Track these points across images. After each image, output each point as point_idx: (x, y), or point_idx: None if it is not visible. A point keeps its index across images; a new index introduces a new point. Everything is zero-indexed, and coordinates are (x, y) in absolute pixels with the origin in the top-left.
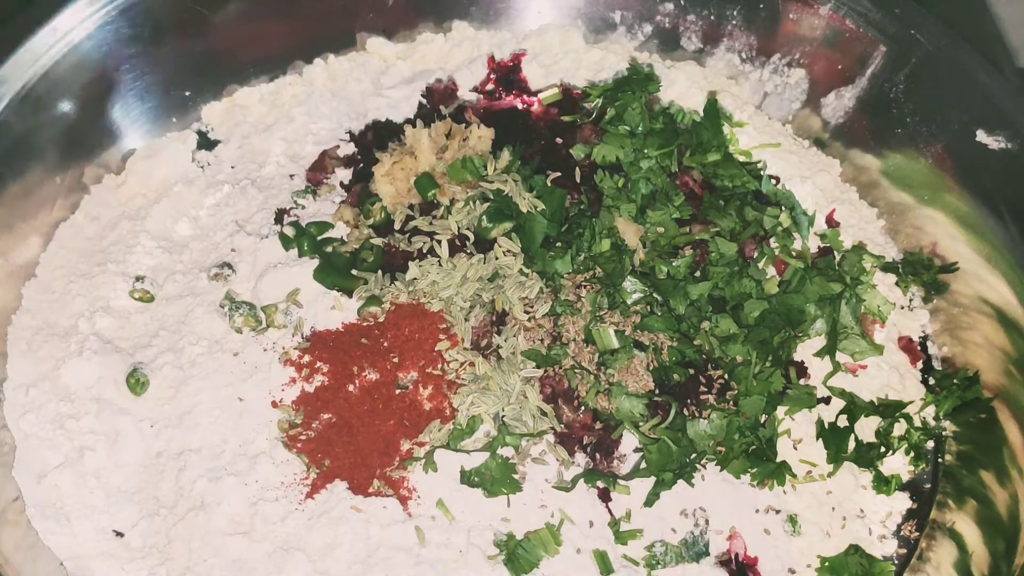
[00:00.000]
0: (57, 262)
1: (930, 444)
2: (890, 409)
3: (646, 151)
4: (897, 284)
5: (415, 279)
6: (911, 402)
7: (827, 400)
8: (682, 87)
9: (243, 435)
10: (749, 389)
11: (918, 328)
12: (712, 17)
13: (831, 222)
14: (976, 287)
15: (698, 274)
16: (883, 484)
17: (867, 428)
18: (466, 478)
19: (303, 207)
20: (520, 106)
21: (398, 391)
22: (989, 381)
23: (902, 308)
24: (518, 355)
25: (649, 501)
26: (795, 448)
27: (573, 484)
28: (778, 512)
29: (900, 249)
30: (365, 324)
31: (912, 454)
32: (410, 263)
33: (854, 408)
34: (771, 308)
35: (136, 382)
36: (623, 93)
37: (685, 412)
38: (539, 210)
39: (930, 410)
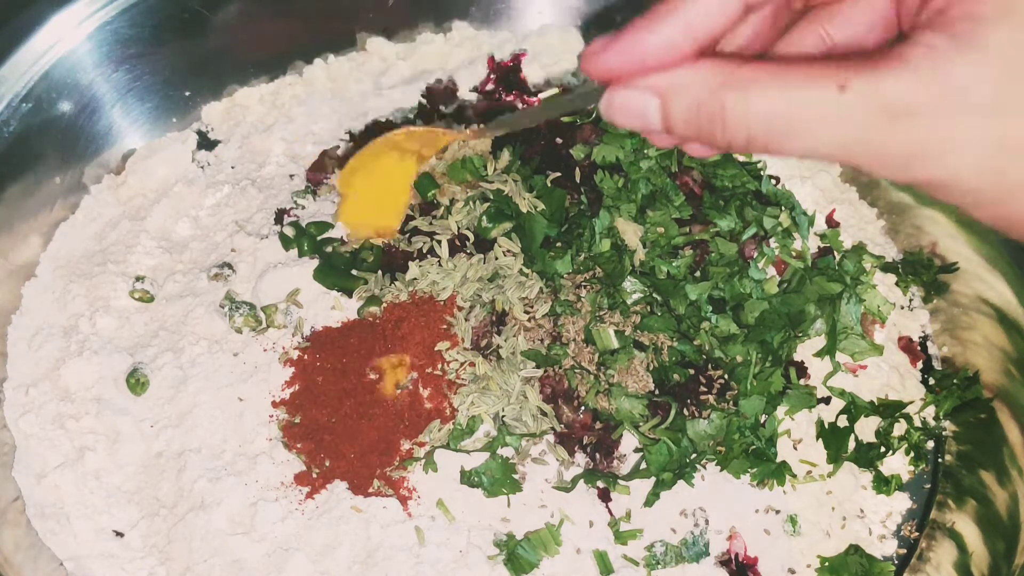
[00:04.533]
0: (57, 262)
1: (930, 444)
2: (890, 409)
3: (646, 151)
4: (897, 284)
5: (415, 279)
6: (911, 402)
7: (827, 400)
8: None
9: (243, 435)
10: (749, 389)
11: (918, 328)
12: None
13: (831, 222)
14: (976, 287)
15: (698, 274)
16: (883, 484)
17: (867, 428)
18: (466, 478)
19: (303, 207)
20: (520, 106)
21: (398, 391)
22: (989, 381)
23: (902, 308)
24: (518, 355)
25: (649, 501)
26: (795, 448)
27: (573, 484)
28: (778, 512)
29: (900, 249)
30: (365, 324)
31: (912, 454)
32: (410, 263)
33: (854, 408)
34: (771, 308)
35: (136, 382)
36: None
37: (685, 412)
38: (539, 210)
39: (930, 410)
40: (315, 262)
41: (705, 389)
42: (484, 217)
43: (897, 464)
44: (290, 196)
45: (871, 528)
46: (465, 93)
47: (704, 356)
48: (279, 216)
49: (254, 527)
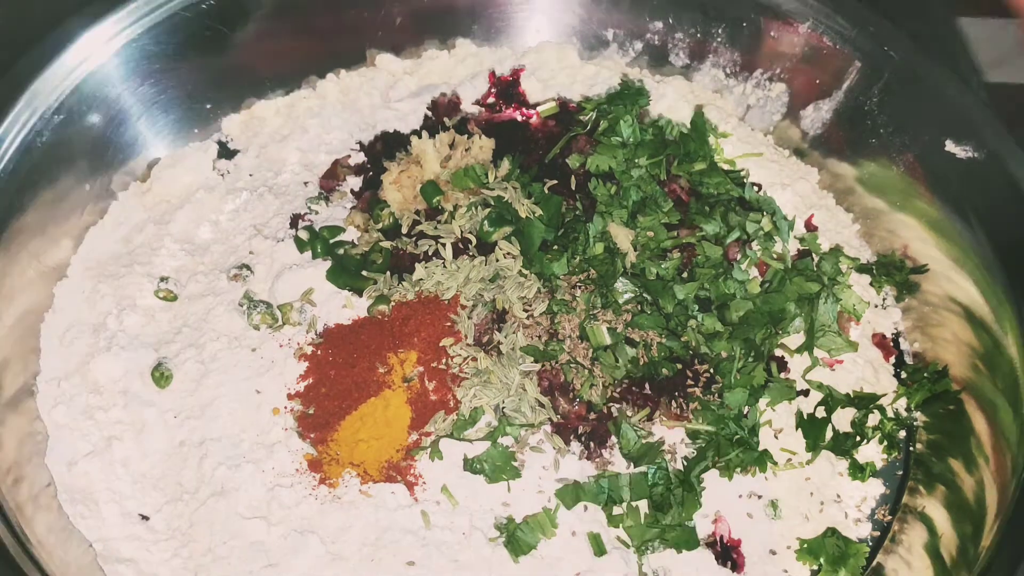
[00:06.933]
0: (87, 263)
1: (902, 434)
2: (865, 401)
3: (637, 160)
4: (871, 284)
5: (421, 279)
6: (884, 394)
7: (806, 393)
8: (670, 101)
9: (260, 425)
10: (733, 382)
11: (891, 325)
12: (698, 35)
13: (809, 226)
14: (945, 287)
15: (685, 275)
16: (858, 471)
17: (843, 419)
18: (469, 465)
19: (317, 212)
20: (519, 118)
21: (405, 384)
22: (957, 374)
23: (876, 307)
24: (517, 350)
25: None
26: (776, 437)
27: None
28: (760, 497)
29: (874, 251)
30: (374, 321)
31: (885, 443)
32: (416, 264)
33: (831, 400)
34: (754, 307)
35: (160, 376)
36: (615, 106)
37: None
38: (537, 216)
39: (902, 402)
40: (328, 264)
41: (692, 382)
42: (486, 222)
43: (871, 452)
44: (304, 202)
45: (847, 512)
46: (468, 106)
47: (691, 352)
48: (294, 220)
49: (270, 511)
